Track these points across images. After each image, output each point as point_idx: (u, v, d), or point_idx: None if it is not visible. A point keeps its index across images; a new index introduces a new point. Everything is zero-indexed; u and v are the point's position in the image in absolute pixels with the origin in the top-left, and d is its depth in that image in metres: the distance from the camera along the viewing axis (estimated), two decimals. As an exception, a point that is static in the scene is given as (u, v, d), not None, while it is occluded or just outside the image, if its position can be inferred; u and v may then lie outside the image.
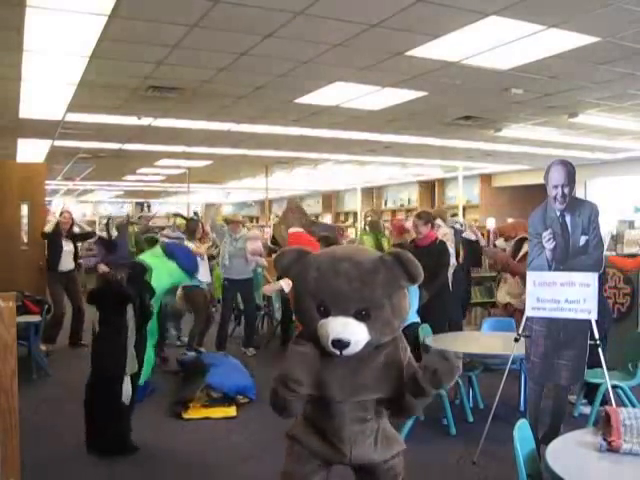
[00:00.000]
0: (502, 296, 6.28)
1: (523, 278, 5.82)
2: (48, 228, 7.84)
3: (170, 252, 5.67)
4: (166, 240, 6.59)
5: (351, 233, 14.70)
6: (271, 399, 2.32)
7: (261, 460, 4.21)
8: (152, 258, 5.49)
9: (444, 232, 6.66)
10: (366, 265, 2.24)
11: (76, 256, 8.08)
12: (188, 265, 5.74)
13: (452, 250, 6.54)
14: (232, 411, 5.23)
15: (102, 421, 4.19)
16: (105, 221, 9.10)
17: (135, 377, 4.35)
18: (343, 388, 2.28)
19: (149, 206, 23.85)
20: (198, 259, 7.42)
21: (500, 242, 6.47)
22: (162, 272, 5.35)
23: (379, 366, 2.31)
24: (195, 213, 8.58)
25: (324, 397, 2.30)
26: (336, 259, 2.28)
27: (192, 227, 7.63)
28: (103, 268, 5.88)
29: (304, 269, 2.27)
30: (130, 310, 4.27)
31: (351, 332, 2.17)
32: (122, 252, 4.65)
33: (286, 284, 6.11)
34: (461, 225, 7.67)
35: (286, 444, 2.51)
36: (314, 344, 2.28)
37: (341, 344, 2.16)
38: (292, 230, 5.93)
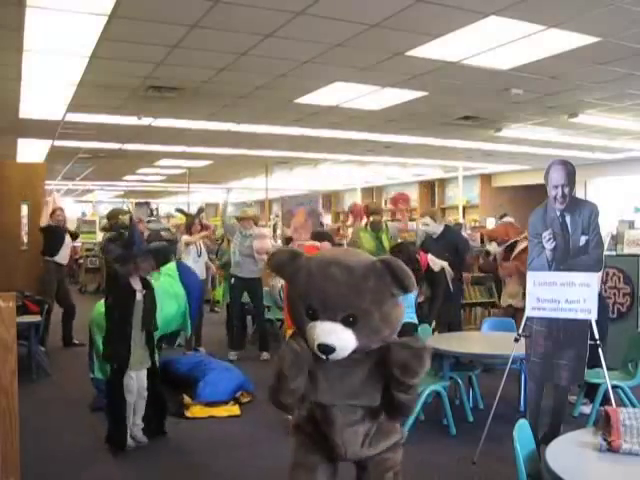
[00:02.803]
0: (504, 299, 6.28)
1: (521, 275, 5.86)
2: (43, 222, 7.82)
3: (182, 272, 5.40)
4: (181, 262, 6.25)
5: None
6: (271, 399, 2.35)
7: (267, 458, 4.22)
8: (166, 279, 5.25)
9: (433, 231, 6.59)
10: (356, 271, 2.19)
11: (73, 248, 8.11)
12: (196, 294, 5.46)
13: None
14: (236, 410, 5.26)
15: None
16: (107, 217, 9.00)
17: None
18: (334, 392, 2.29)
19: (157, 208, 21.90)
20: (194, 256, 7.46)
21: (493, 247, 6.43)
22: (173, 300, 5.13)
23: (366, 372, 2.30)
24: (200, 209, 8.52)
25: (316, 401, 2.32)
26: (326, 262, 2.25)
27: (188, 222, 7.69)
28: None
29: (295, 271, 2.27)
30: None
31: (337, 338, 2.15)
32: (139, 244, 4.51)
33: None
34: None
35: (293, 434, 2.55)
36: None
37: (326, 349, 2.15)
38: (309, 244, 5.63)
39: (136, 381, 4.32)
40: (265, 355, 7.29)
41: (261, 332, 7.60)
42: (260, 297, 7.55)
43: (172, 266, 5.52)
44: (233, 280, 7.43)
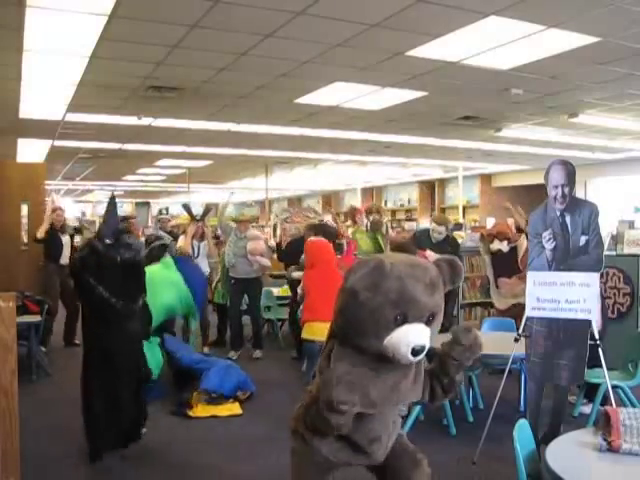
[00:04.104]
0: (501, 301, 6.25)
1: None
2: (40, 234, 7.76)
3: (181, 265, 5.33)
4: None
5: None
6: (317, 423, 2.28)
7: (269, 457, 4.23)
8: (162, 270, 5.19)
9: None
10: (432, 271, 2.29)
11: (72, 249, 8.08)
12: (199, 286, 5.38)
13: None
14: (237, 408, 5.27)
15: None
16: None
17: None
18: (389, 399, 2.33)
19: (167, 209, 21.51)
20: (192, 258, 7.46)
21: (504, 245, 6.42)
22: (170, 288, 5.07)
23: (414, 370, 2.38)
24: (208, 209, 8.47)
25: (366, 414, 2.30)
26: (409, 265, 2.27)
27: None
28: None
29: (382, 279, 2.19)
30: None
31: (426, 338, 2.21)
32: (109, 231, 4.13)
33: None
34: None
35: (301, 450, 2.48)
36: (364, 360, 2.27)
37: (419, 349, 2.18)
38: (314, 239, 5.81)
39: None
40: (258, 353, 7.41)
41: (255, 331, 7.67)
42: (257, 297, 7.64)
43: (169, 260, 5.47)
44: (232, 282, 7.48)
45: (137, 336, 4.23)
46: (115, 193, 4.96)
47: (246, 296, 7.60)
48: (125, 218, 8.32)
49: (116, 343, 3.99)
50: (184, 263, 5.56)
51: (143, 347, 4.33)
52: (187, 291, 5.19)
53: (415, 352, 2.17)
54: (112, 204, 4.36)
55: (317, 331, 4.87)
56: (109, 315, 3.98)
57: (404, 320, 2.18)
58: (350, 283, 2.24)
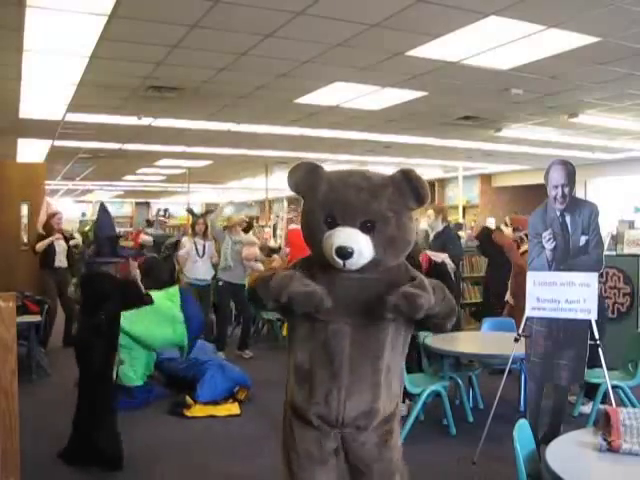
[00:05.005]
0: (508, 296, 6.33)
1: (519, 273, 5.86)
2: (39, 249, 7.71)
3: (184, 301, 5.51)
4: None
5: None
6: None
7: (267, 457, 4.22)
8: (165, 301, 5.34)
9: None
10: (375, 179, 2.28)
11: (69, 254, 8.08)
12: (195, 326, 5.54)
13: None
14: (236, 408, 5.28)
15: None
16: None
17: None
18: (347, 306, 2.24)
19: (166, 210, 21.66)
20: (193, 257, 7.48)
21: (508, 230, 6.53)
22: (169, 323, 5.27)
23: (383, 289, 2.22)
24: (210, 211, 8.57)
25: (324, 320, 2.24)
26: (347, 173, 2.35)
27: (193, 222, 7.80)
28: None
29: (315, 182, 2.30)
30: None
31: (355, 240, 2.17)
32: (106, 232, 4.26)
33: None
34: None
35: (287, 428, 2.51)
36: (319, 269, 2.29)
37: (344, 252, 2.15)
38: (292, 227, 5.87)
39: None
40: (247, 352, 7.52)
41: (244, 331, 7.77)
42: (246, 302, 7.63)
43: (175, 291, 5.61)
44: (221, 283, 7.52)
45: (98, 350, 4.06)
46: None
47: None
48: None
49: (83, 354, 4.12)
50: (187, 299, 5.71)
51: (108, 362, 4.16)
52: (184, 329, 5.41)
53: (341, 254, 2.15)
54: (103, 211, 4.44)
55: None
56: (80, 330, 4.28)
57: (334, 223, 2.21)
58: (293, 189, 2.36)
